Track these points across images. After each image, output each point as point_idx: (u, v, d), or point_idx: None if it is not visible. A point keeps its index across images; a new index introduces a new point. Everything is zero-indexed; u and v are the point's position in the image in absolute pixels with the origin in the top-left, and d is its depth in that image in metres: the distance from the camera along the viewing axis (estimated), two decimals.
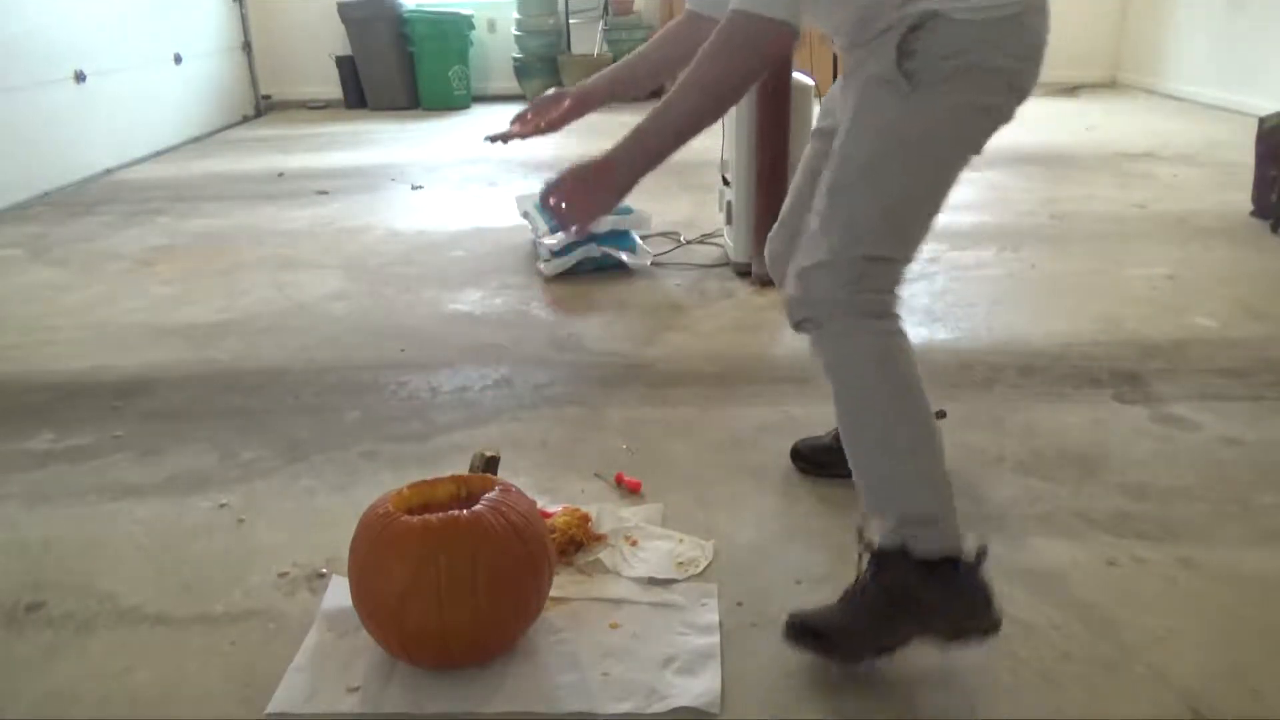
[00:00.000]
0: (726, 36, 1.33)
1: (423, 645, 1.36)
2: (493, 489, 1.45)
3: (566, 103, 1.70)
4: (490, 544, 1.35)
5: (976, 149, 1.43)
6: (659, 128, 1.35)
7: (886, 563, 1.38)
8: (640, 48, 1.74)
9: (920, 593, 1.36)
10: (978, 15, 1.33)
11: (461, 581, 1.32)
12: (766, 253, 1.78)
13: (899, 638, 1.39)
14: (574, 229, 1.42)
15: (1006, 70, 1.37)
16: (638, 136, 1.36)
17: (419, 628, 1.34)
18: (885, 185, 1.37)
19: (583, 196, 1.38)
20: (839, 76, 1.61)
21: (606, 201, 1.39)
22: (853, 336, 1.37)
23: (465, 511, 1.37)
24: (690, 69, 1.35)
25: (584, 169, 1.38)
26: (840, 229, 1.37)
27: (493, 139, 1.72)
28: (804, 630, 1.40)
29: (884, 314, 1.39)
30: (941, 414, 1.61)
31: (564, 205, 1.39)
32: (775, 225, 1.75)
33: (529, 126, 1.70)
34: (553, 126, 1.69)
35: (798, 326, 1.42)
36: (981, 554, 1.39)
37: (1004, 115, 1.42)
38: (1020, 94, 1.41)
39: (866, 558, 1.41)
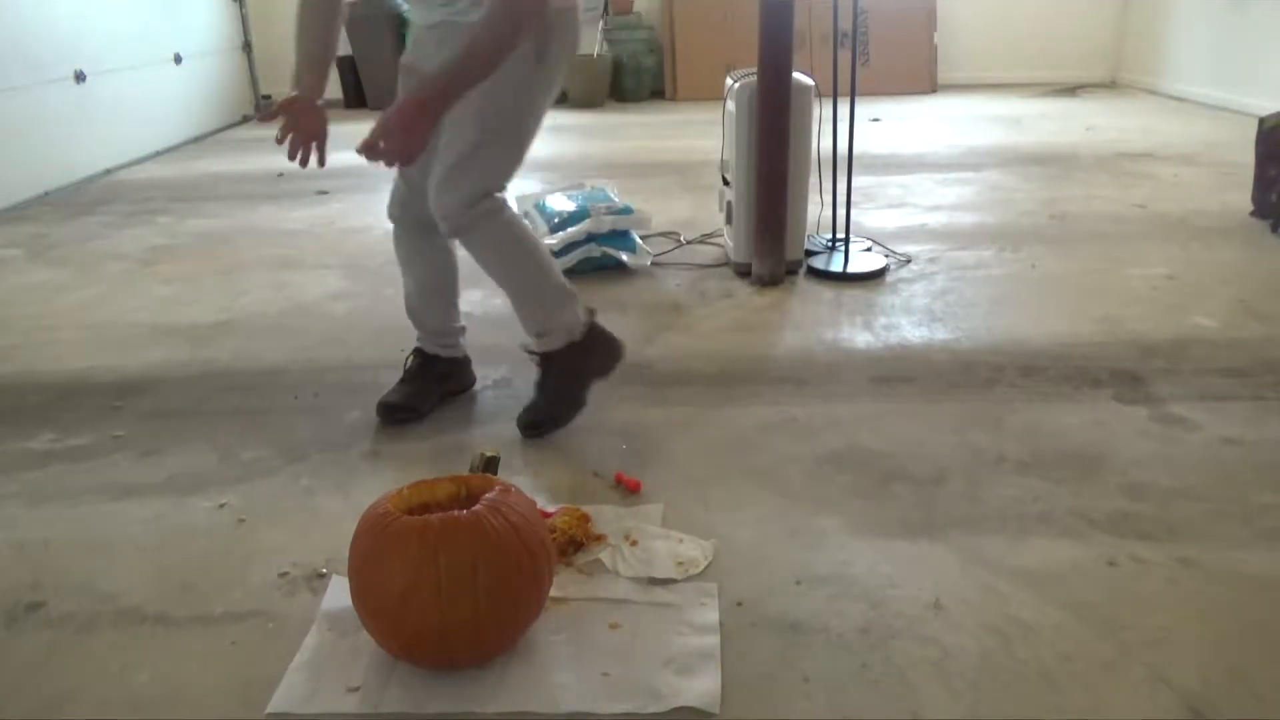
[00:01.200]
0: (499, 20, 1.71)
1: (423, 645, 1.36)
2: (493, 489, 1.45)
3: (319, 106, 1.98)
4: (490, 544, 1.35)
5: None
6: (459, 81, 1.73)
7: (558, 356, 2.07)
8: (299, 29, 2.02)
9: (584, 359, 2.09)
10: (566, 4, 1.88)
11: (461, 581, 1.32)
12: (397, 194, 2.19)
13: (584, 392, 2.11)
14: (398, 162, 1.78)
15: (567, 50, 1.94)
16: (444, 83, 1.73)
17: (419, 628, 1.34)
18: (512, 134, 1.92)
19: (413, 134, 1.73)
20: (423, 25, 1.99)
21: (427, 135, 1.75)
22: (486, 234, 1.96)
23: (465, 511, 1.37)
24: (476, 39, 1.72)
25: (405, 113, 1.72)
26: (479, 174, 1.90)
27: (299, 163, 1.97)
28: (531, 426, 2.09)
29: (500, 210, 1.94)
30: (591, 311, 2.14)
31: (395, 146, 1.72)
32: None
33: (308, 149, 1.99)
34: (321, 139, 2.00)
35: (452, 237, 2.00)
36: (591, 313, 2.10)
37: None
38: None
39: (539, 363, 2.10)
